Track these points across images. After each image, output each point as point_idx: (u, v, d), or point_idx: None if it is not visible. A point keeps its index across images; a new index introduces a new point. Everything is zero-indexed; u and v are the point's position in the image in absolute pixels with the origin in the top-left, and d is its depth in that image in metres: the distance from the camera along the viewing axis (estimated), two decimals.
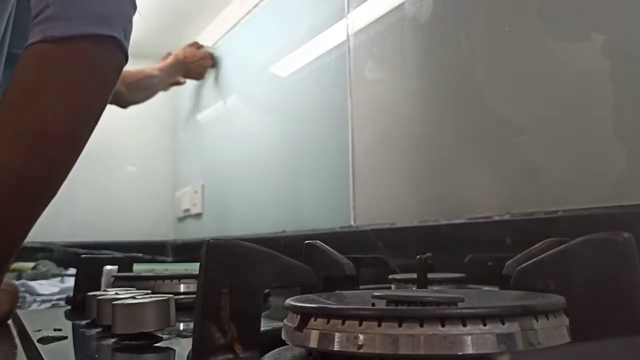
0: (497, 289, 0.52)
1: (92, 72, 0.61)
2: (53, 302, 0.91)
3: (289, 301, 0.35)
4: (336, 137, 1.08)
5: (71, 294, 0.78)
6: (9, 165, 0.57)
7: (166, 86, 1.65)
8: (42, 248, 1.58)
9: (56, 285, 1.06)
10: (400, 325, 0.29)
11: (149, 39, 1.71)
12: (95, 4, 0.60)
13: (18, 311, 0.70)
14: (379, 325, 0.29)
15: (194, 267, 0.83)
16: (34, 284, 1.04)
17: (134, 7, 0.63)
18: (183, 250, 1.85)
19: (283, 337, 0.35)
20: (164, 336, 0.49)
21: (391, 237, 0.89)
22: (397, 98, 0.93)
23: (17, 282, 0.96)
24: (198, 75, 1.69)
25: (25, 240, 0.60)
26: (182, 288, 0.73)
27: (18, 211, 0.58)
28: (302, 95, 1.22)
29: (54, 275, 1.25)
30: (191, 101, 1.88)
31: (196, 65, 1.65)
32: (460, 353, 0.28)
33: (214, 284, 0.35)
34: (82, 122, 0.61)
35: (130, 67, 0.70)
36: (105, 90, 0.63)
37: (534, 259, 0.40)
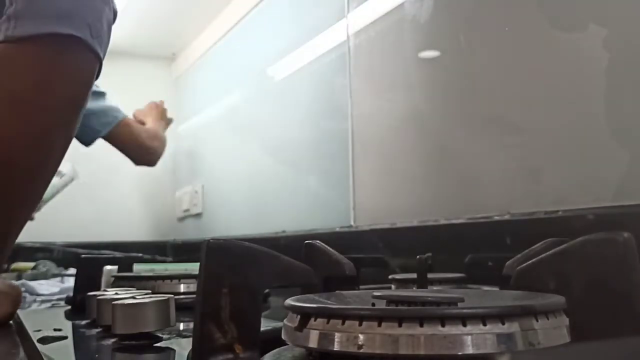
0: (497, 289, 0.52)
1: (48, 77, 0.53)
2: (53, 302, 0.91)
3: (289, 301, 0.35)
4: (336, 137, 1.08)
5: (71, 294, 0.78)
6: None
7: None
8: (42, 248, 1.58)
9: (56, 285, 1.06)
10: (400, 325, 0.29)
11: (148, 39, 1.72)
12: (55, 0, 0.53)
13: (18, 311, 0.70)
14: (379, 325, 0.29)
15: (194, 267, 0.83)
16: (34, 284, 1.03)
17: (106, 2, 0.56)
18: (183, 250, 1.85)
19: (283, 337, 0.35)
20: (164, 336, 0.49)
21: (391, 237, 0.89)
22: (397, 98, 0.93)
23: (17, 282, 0.96)
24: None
25: (25, 240, 0.59)
26: (182, 288, 0.73)
27: None
28: (302, 95, 1.22)
29: (54, 275, 1.24)
30: (191, 101, 1.88)
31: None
32: (460, 353, 0.28)
33: (214, 284, 0.35)
34: (35, 141, 0.54)
35: (126, 68, 0.65)
36: (68, 99, 0.54)
37: (534, 259, 0.40)
